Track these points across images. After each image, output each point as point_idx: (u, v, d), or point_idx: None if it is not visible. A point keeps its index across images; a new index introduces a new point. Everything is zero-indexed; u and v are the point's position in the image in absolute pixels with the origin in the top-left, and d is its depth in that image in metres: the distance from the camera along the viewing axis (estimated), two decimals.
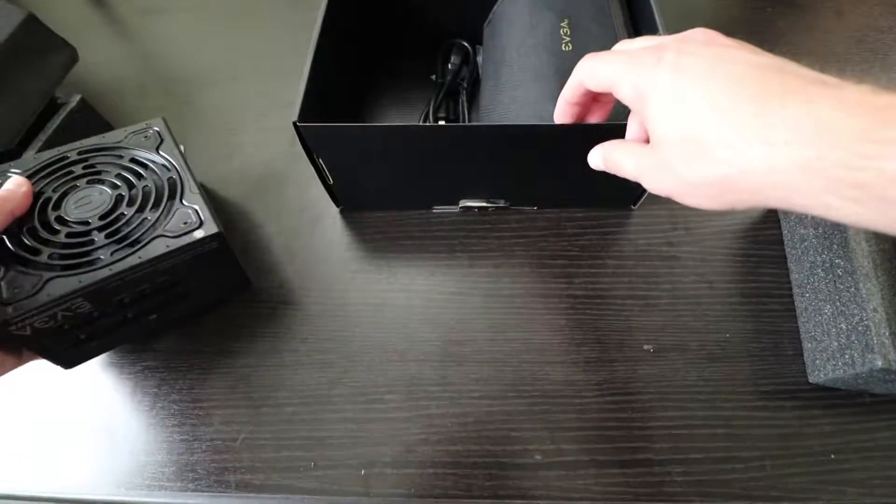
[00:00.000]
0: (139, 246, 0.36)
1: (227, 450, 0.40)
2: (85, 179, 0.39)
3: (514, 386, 0.42)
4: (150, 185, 0.39)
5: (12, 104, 0.46)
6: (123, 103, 0.61)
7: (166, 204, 0.38)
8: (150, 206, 0.38)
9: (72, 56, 0.52)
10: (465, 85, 0.57)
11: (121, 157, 0.41)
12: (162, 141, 0.42)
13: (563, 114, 0.34)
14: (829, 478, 0.37)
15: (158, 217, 0.37)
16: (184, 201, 0.39)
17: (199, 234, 0.37)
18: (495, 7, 0.54)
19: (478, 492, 0.38)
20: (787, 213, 0.46)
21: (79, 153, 0.41)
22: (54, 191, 0.38)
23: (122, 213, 0.37)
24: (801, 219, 0.44)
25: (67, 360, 0.38)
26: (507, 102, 0.45)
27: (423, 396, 0.41)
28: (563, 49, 0.44)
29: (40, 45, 0.49)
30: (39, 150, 0.46)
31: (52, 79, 0.50)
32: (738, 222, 0.49)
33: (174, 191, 0.39)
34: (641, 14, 0.47)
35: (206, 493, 0.38)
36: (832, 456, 0.38)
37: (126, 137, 0.42)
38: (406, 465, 0.39)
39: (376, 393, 0.42)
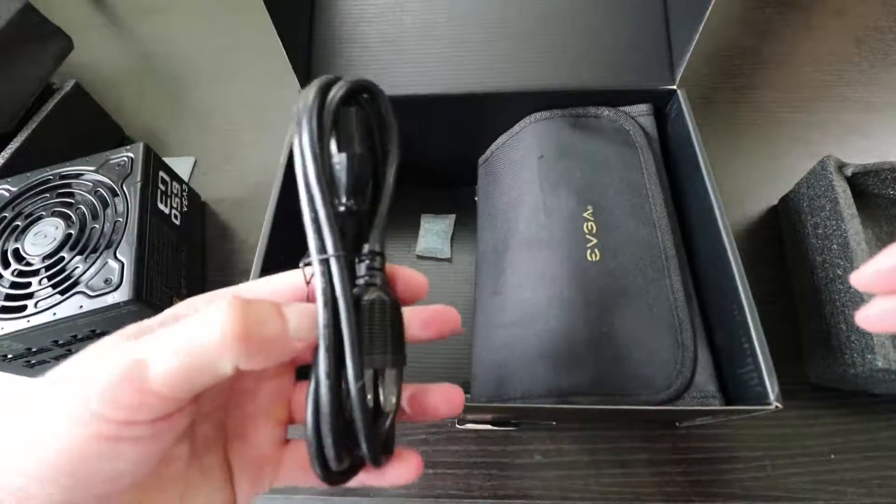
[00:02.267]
0: (62, 299, 0.36)
1: None
2: (52, 209, 0.40)
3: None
4: (99, 227, 0.39)
5: (8, 90, 0.47)
6: (122, 103, 0.61)
7: (101, 253, 0.38)
8: (88, 251, 0.38)
9: (67, 44, 0.53)
10: None
11: (89, 188, 0.41)
12: (129, 174, 0.41)
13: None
14: (829, 478, 0.37)
15: (88, 268, 0.37)
16: (117, 254, 0.38)
17: (112, 298, 0.36)
18: (495, 147, 0.44)
19: (478, 492, 0.38)
20: (786, 213, 0.46)
21: (60, 177, 0.42)
22: (25, 217, 0.40)
23: (63, 257, 0.38)
24: (801, 219, 0.44)
25: (29, 375, 0.40)
26: (509, 309, 0.35)
27: None
28: (589, 258, 0.33)
29: (36, 33, 0.50)
30: (33, 133, 0.47)
31: (47, 66, 0.51)
32: (737, 222, 0.49)
33: (112, 240, 0.38)
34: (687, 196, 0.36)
35: None
36: (832, 456, 0.38)
37: (104, 164, 0.42)
38: None
39: None
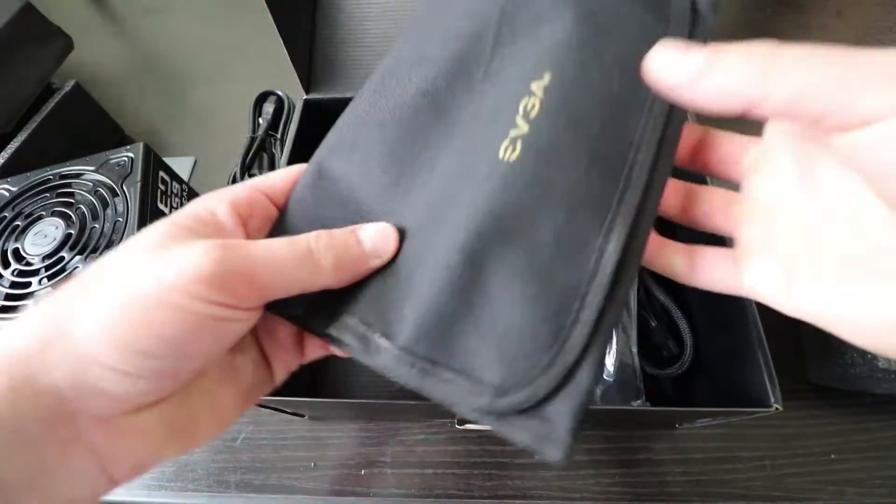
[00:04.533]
0: None
1: (227, 450, 0.40)
2: (52, 209, 0.40)
3: None
4: (99, 227, 0.39)
5: (8, 90, 0.48)
6: (122, 103, 0.61)
7: (101, 253, 0.38)
8: (88, 251, 0.38)
9: (67, 44, 0.53)
10: (276, 137, 0.53)
11: (89, 188, 0.41)
12: (129, 174, 0.42)
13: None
14: (829, 478, 0.37)
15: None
16: None
17: None
18: None
19: (478, 492, 0.38)
20: None
21: (60, 177, 0.42)
22: (25, 217, 0.40)
23: (63, 257, 0.38)
24: None
25: None
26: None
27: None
28: (501, 155, 0.20)
29: (36, 33, 0.50)
30: (33, 133, 0.47)
31: (47, 66, 0.51)
32: None
33: (112, 240, 0.38)
34: None
35: (206, 493, 0.38)
36: (832, 456, 0.38)
37: (104, 164, 0.42)
38: (406, 465, 0.39)
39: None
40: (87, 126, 0.54)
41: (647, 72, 0.17)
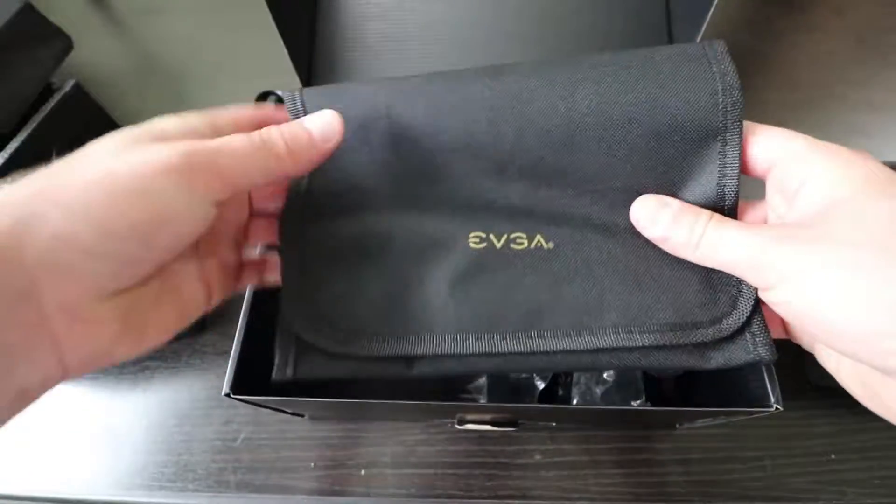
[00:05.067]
0: None
1: (227, 450, 0.40)
2: None
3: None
4: None
5: (8, 90, 0.48)
6: (122, 103, 0.61)
7: None
8: None
9: (67, 44, 0.53)
10: None
11: None
12: None
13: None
14: (829, 478, 0.37)
15: None
16: None
17: None
18: None
19: (478, 492, 0.38)
20: None
21: None
22: None
23: None
24: None
25: None
26: None
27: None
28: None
29: (35, 32, 0.50)
30: (33, 133, 0.47)
31: (47, 66, 0.51)
32: None
33: None
34: None
35: (206, 493, 0.38)
36: (832, 456, 0.38)
37: None
38: (406, 465, 0.39)
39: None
40: (87, 126, 0.54)
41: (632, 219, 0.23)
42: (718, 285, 0.22)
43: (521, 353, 0.22)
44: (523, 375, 0.39)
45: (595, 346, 0.22)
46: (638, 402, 0.38)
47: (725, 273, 0.22)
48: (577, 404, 0.37)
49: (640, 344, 0.22)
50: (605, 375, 0.38)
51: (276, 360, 0.23)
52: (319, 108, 0.23)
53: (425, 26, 0.45)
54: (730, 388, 0.32)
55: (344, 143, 0.22)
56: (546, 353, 0.22)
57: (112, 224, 0.17)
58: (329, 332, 0.22)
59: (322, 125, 0.22)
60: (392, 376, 0.23)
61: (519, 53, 0.44)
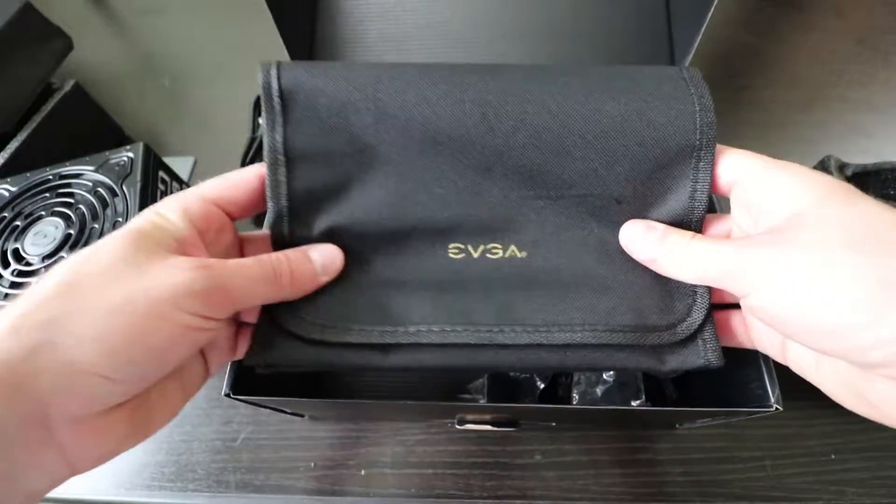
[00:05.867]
0: None
1: (227, 450, 0.40)
2: (51, 209, 0.40)
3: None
4: (99, 227, 0.39)
5: (8, 90, 0.47)
6: (122, 103, 0.61)
7: None
8: None
9: (67, 44, 0.53)
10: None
11: (89, 188, 0.41)
12: (129, 174, 0.41)
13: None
14: (829, 478, 0.37)
15: None
16: None
17: None
18: None
19: (478, 492, 0.38)
20: None
21: (60, 177, 0.41)
22: (25, 217, 0.40)
23: (62, 257, 0.38)
24: None
25: None
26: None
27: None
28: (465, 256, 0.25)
29: (36, 32, 0.50)
30: (33, 133, 0.47)
31: (47, 65, 0.51)
32: None
33: None
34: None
35: (205, 493, 0.38)
36: (832, 456, 0.38)
37: (104, 164, 0.42)
38: (406, 465, 0.39)
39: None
40: (87, 126, 0.54)
41: (622, 243, 0.24)
42: (676, 294, 0.24)
43: (492, 346, 0.23)
44: (523, 375, 0.39)
45: (563, 342, 0.23)
46: (638, 402, 0.38)
47: (684, 283, 0.23)
48: (577, 404, 0.37)
49: (605, 342, 0.23)
50: (605, 375, 0.38)
51: (252, 346, 0.23)
52: (296, 86, 0.23)
53: (425, 26, 0.45)
54: (730, 388, 0.32)
55: (322, 125, 0.23)
56: (517, 346, 0.23)
57: (130, 352, 0.17)
58: (307, 318, 0.23)
59: (325, 260, 0.23)
60: (367, 365, 0.24)
61: (519, 53, 0.44)
